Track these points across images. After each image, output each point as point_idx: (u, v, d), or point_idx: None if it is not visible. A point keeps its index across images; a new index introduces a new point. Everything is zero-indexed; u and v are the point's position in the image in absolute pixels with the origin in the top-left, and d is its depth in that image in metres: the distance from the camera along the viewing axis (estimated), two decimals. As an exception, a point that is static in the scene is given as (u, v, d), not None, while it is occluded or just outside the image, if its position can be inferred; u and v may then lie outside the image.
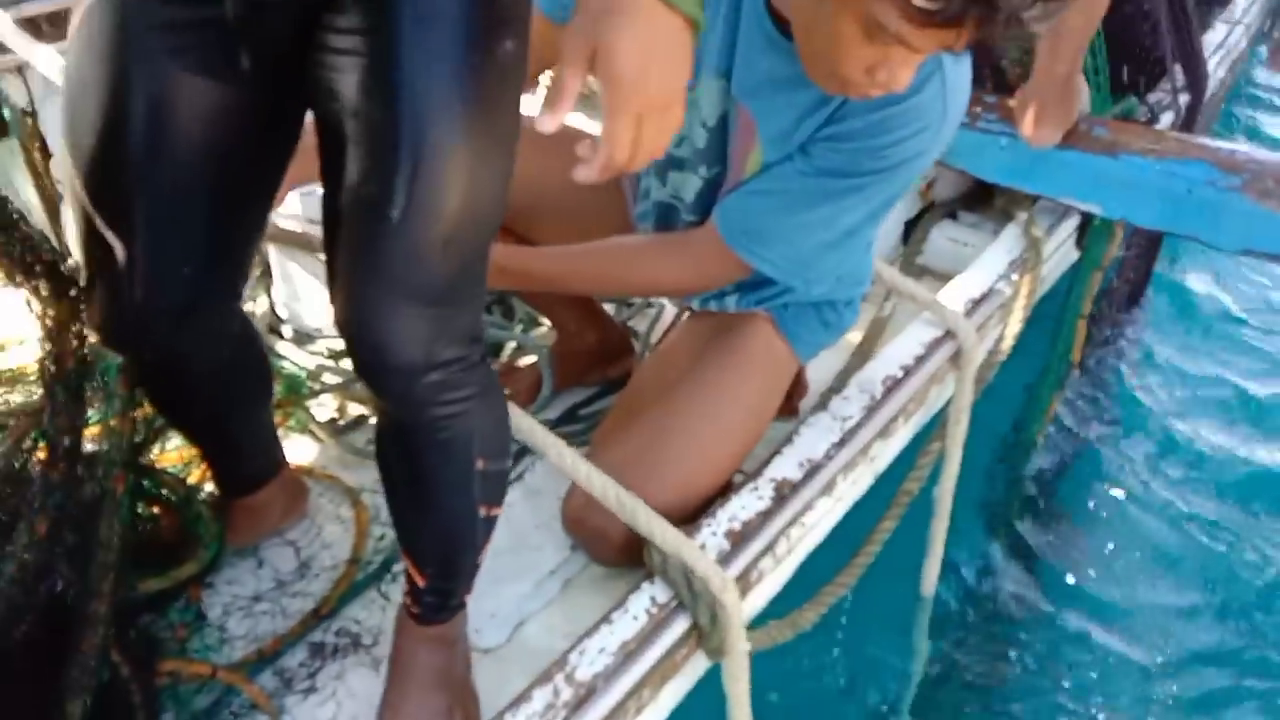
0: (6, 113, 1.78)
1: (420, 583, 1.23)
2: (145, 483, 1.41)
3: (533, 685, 1.17)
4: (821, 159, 1.31)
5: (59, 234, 1.90)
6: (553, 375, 1.84)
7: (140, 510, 1.41)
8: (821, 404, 1.66)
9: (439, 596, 1.25)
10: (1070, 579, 2.45)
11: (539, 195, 1.62)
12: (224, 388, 1.28)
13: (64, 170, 1.03)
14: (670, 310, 2.04)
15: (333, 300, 1.02)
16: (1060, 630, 2.34)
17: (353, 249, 0.98)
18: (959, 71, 1.29)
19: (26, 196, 1.88)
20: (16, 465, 1.12)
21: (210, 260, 1.09)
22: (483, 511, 1.18)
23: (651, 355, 1.68)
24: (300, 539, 1.56)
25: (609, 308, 2.04)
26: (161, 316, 1.09)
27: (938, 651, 2.26)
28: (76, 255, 1.14)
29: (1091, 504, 2.64)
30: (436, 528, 1.18)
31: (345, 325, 1.01)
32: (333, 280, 1.02)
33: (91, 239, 1.03)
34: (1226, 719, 2.15)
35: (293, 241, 1.78)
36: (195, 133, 0.99)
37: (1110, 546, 2.53)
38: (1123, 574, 2.46)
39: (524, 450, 1.76)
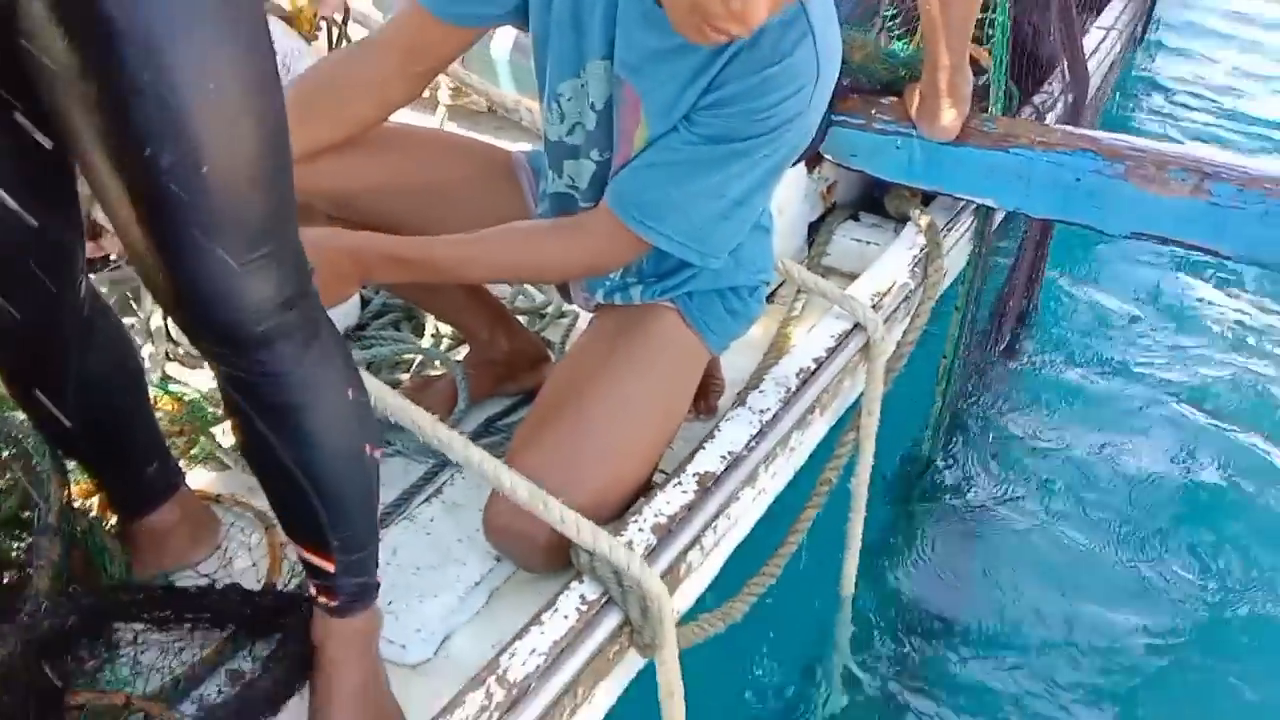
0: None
1: (330, 568, 1.18)
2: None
3: (465, 689, 1.14)
4: (704, 127, 1.33)
5: None
6: (467, 387, 1.82)
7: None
8: (739, 400, 1.67)
9: (355, 573, 1.20)
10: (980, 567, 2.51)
11: (439, 202, 1.61)
12: (85, 360, 1.23)
13: None
14: (585, 319, 2.04)
15: (149, 274, 0.97)
16: (980, 627, 2.39)
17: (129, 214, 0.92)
18: (829, 33, 1.33)
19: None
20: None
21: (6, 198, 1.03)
22: (366, 450, 1.15)
23: (563, 357, 1.67)
24: (212, 570, 1.50)
25: (522, 321, 2.03)
26: None
27: (862, 645, 2.29)
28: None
29: (996, 490, 2.71)
30: (330, 478, 1.12)
31: (180, 292, 0.95)
32: (139, 255, 0.95)
33: None
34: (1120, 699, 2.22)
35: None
36: None
37: (1015, 532, 2.60)
38: (1025, 563, 2.52)
39: (442, 464, 1.73)
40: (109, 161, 0.88)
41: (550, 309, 2.15)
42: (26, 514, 1.35)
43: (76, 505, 1.41)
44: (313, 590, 1.22)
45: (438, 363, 1.93)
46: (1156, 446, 2.82)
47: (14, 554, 1.33)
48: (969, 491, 2.66)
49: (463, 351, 1.94)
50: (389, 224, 1.52)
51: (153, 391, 1.64)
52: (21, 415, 1.38)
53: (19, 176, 1.03)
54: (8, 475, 1.34)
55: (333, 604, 1.21)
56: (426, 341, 1.99)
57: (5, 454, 1.36)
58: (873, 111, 2.23)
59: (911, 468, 2.67)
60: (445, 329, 2.03)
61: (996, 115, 2.23)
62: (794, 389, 1.69)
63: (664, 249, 1.40)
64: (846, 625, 2.26)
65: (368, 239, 1.41)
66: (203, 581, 1.49)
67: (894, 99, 2.22)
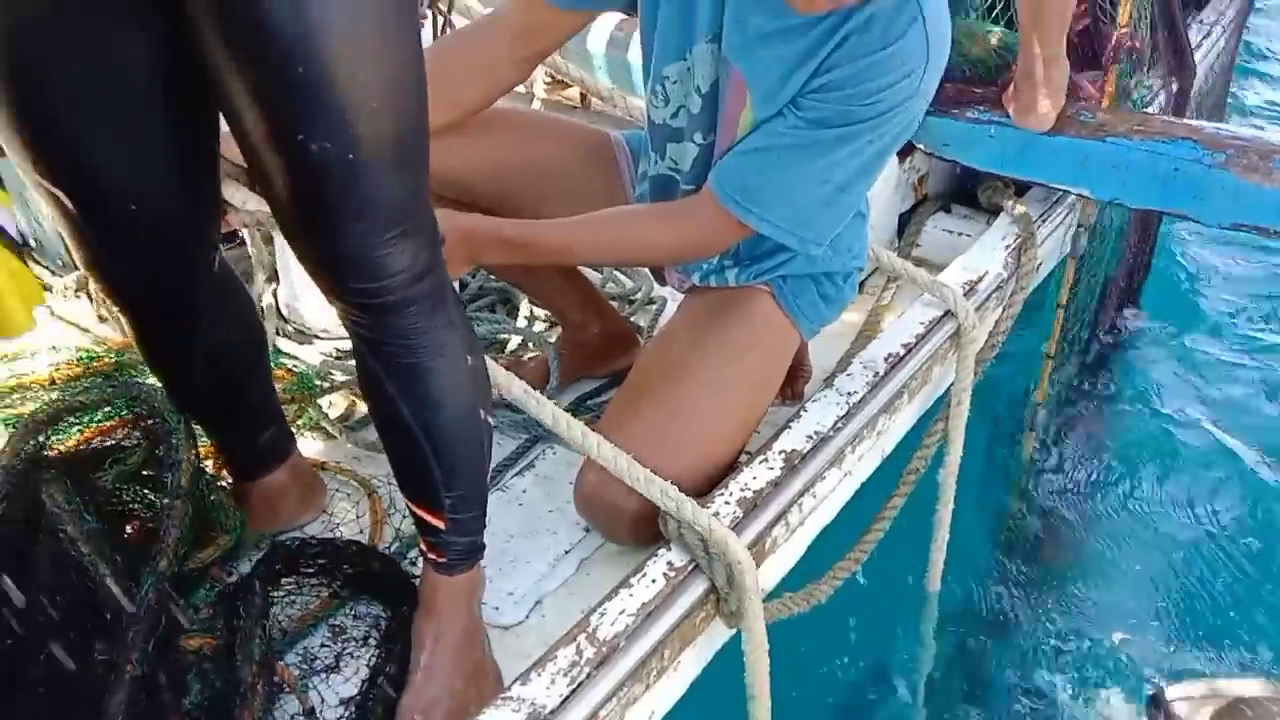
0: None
1: (442, 526, 1.24)
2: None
3: (557, 645, 1.18)
4: (812, 111, 1.34)
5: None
6: (559, 367, 1.87)
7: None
8: (827, 383, 1.68)
9: (464, 533, 1.26)
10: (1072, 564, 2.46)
11: (540, 183, 1.66)
12: (215, 330, 1.31)
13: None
14: (673, 305, 2.08)
15: (293, 240, 1.06)
16: (1067, 635, 2.35)
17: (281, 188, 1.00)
18: (939, 18, 1.33)
19: (37, 207, 1.92)
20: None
21: (151, 174, 1.11)
22: (481, 413, 1.21)
23: (655, 335, 1.70)
24: (318, 532, 1.57)
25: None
26: (129, 238, 1.14)
27: (948, 638, 2.27)
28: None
29: (1096, 490, 2.65)
30: (447, 440, 1.18)
31: (322, 260, 1.05)
32: (286, 224, 1.05)
33: (44, 181, 1.08)
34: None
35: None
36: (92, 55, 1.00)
37: (1108, 532, 2.55)
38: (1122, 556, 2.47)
39: (534, 440, 1.79)
40: (264, 140, 0.96)
41: (639, 295, 2.19)
42: (147, 471, 1.44)
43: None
44: (423, 546, 1.28)
45: (531, 345, 1.99)
46: (1265, 447, 2.73)
47: (134, 507, 1.43)
48: (1067, 491, 2.61)
49: (555, 334, 1.99)
50: (490, 204, 1.58)
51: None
52: (152, 379, 1.48)
53: (168, 146, 1.11)
54: (134, 435, 1.44)
55: (440, 560, 1.27)
56: (520, 323, 2.05)
57: (127, 413, 1.45)
58: (966, 100, 2.22)
59: (1007, 463, 2.64)
60: (539, 312, 2.09)
61: (1103, 105, 2.20)
62: (882, 373, 1.69)
63: (765, 234, 1.42)
64: (931, 617, 2.24)
65: (478, 222, 1.45)
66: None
67: (988, 88, 2.21)
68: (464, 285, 2.13)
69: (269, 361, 1.48)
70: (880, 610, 2.18)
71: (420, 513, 1.25)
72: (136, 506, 1.41)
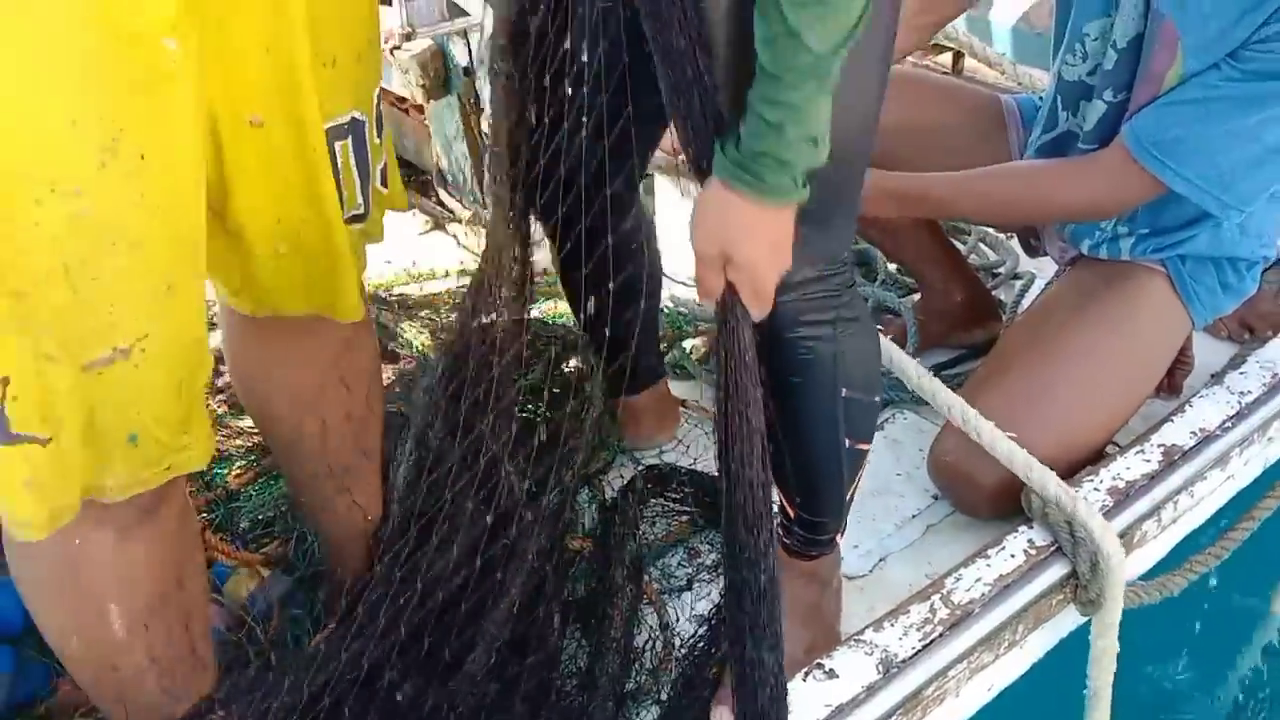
0: (451, 71, 2.06)
1: (790, 513, 1.26)
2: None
3: (910, 600, 1.21)
4: (1254, 62, 1.25)
5: (482, 182, 2.18)
6: (917, 333, 1.86)
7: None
8: (1217, 379, 1.57)
9: (807, 530, 1.28)
10: None
11: (921, 144, 1.65)
12: (622, 264, 1.37)
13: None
14: (1040, 282, 2.00)
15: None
16: None
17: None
18: None
19: (458, 149, 2.17)
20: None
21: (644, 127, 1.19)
22: (848, 443, 1.19)
23: (1031, 307, 1.65)
24: (675, 460, 1.69)
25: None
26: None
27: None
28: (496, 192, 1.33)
29: None
30: (802, 456, 1.20)
31: None
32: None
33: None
34: None
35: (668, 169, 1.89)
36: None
37: None
38: None
39: (885, 402, 1.80)
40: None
41: (1004, 268, 2.12)
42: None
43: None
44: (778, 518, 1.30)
45: (888, 309, 1.99)
46: None
47: (533, 415, 1.61)
48: None
49: (913, 299, 1.98)
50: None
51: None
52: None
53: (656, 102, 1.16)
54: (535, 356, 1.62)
55: (784, 540, 1.29)
56: (877, 285, 2.06)
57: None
58: None
59: None
60: (897, 275, 2.08)
61: None
62: (1282, 376, 1.56)
63: (1180, 192, 1.35)
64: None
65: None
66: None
67: None
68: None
69: (659, 298, 1.59)
70: (1226, 622, 2.01)
71: (777, 489, 1.25)
72: (530, 412, 1.60)
